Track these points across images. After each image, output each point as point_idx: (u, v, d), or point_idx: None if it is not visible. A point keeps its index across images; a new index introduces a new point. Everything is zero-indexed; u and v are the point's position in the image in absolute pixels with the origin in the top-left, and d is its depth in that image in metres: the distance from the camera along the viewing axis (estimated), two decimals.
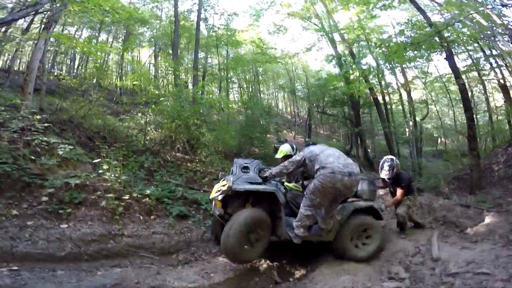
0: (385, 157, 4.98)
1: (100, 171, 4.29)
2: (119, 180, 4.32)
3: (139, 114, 7.77)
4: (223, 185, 3.57)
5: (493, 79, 14.01)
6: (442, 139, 22.29)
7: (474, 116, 15.22)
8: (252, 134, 10.51)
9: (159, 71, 20.06)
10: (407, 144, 15.88)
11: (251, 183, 3.58)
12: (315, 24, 15.14)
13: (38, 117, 4.70)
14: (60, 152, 4.28)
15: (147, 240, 3.97)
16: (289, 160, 3.64)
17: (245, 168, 3.89)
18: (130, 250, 3.77)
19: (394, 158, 4.87)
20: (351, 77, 12.39)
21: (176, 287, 3.16)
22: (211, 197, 3.82)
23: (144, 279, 3.19)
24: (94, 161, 4.42)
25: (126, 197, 4.22)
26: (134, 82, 7.84)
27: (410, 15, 12.98)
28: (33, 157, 4.17)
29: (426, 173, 12.13)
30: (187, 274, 3.48)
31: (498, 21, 7.69)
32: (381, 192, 6.54)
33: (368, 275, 3.42)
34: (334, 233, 3.78)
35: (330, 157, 3.37)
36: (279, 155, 4.13)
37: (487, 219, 4.97)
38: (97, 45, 7.80)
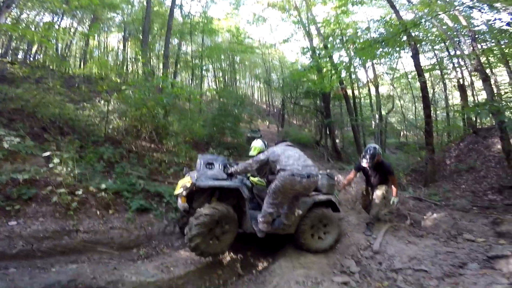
0: (368, 146, 4.94)
1: (51, 165, 4.00)
2: (72, 174, 4.07)
3: (102, 102, 7.30)
4: (187, 181, 3.57)
5: (453, 78, 14.96)
6: (405, 132, 23.69)
7: (434, 112, 16.37)
8: (224, 123, 10.34)
9: (128, 58, 19.07)
10: (372, 136, 16.68)
11: (216, 179, 3.60)
12: (293, 16, 15.15)
13: None
14: (6, 145, 3.91)
15: (105, 235, 3.83)
16: (254, 158, 3.69)
17: (209, 164, 3.87)
18: (86, 246, 3.65)
19: (376, 147, 4.79)
20: (324, 70, 12.57)
21: (133, 282, 3.12)
22: (175, 193, 3.80)
23: (101, 274, 3.12)
24: (44, 154, 4.08)
25: (80, 191, 3.99)
26: (93, 70, 7.34)
27: (386, 12, 13.29)
28: None
29: None
30: (146, 268, 3.42)
31: (464, 23, 8.10)
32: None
33: (321, 269, 3.58)
34: (295, 226, 3.94)
35: (290, 159, 3.42)
36: (253, 152, 4.21)
37: (435, 213, 5.40)
38: (51, 32, 7.13)
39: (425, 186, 8.83)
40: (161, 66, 14.70)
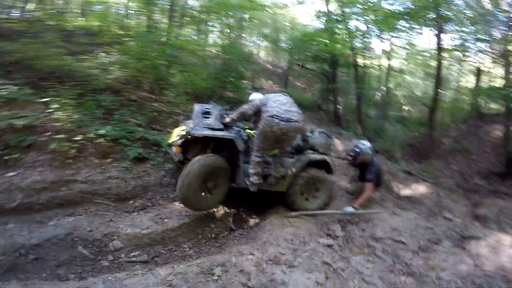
0: (359, 142, 4.50)
1: (49, 111, 3.92)
2: (71, 119, 4.00)
3: (103, 54, 6.97)
4: (182, 130, 3.49)
5: (473, 62, 14.55)
6: (408, 107, 23.40)
7: (442, 91, 16.15)
8: (227, 78, 10.11)
9: (131, 12, 17.85)
10: (376, 107, 16.57)
11: (212, 129, 3.49)
12: None
13: None
14: (4, 93, 3.79)
15: (102, 186, 3.81)
16: (250, 102, 3.62)
17: (206, 113, 3.71)
18: (84, 197, 3.64)
19: (366, 146, 4.31)
20: (337, 34, 12.02)
21: (128, 234, 3.19)
22: (170, 142, 3.72)
23: (97, 227, 3.16)
24: (42, 100, 3.97)
25: (79, 138, 3.93)
26: (94, 23, 6.89)
27: None
28: None
29: (386, 136, 12.94)
30: (141, 220, 3.46)
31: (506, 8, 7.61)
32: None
33: (309, 230, 3.68)
34: (288, 184, 3.91)
35: (276, 103, 3.33)
36: None
37: (422, 189, 5.60)
38: None
39: (417, 162, 9.02)
40: (165, 20, 13.94)
